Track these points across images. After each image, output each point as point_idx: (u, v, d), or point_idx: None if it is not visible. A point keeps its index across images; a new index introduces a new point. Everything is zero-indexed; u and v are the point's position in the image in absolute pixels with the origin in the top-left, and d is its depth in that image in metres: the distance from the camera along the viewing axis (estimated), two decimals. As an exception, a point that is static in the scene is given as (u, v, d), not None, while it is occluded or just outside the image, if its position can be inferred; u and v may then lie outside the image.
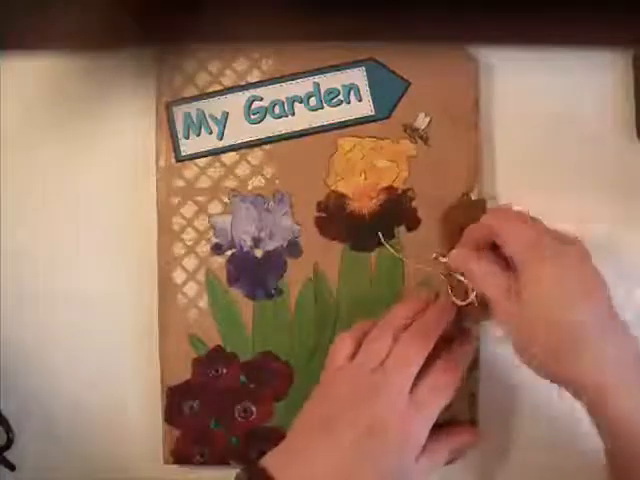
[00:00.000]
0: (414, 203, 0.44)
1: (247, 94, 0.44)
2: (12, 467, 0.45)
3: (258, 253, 0.44)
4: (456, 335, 0.41)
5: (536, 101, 0.45)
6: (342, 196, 0.44)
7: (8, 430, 0.45)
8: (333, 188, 0.44)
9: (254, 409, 0.44)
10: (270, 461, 0.37)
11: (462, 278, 0.40)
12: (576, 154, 0.45)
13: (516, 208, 0.39)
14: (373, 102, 0.44)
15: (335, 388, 0.39)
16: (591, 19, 0.40)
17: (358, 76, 0.44)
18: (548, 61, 0.45)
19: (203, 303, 0.44)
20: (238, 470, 0.37)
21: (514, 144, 0.45)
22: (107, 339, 0.46)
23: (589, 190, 0.45)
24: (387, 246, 0.43)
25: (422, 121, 0.44)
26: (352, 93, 0.44)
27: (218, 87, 0.45)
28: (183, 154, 0.44)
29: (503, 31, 0.43)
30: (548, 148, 0.45)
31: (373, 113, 0.44)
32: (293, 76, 0.44)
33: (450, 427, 0.41)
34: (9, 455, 0.45)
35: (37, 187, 0.46)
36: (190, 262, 0.44)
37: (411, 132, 0.44)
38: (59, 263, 0.46)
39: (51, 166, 0.46)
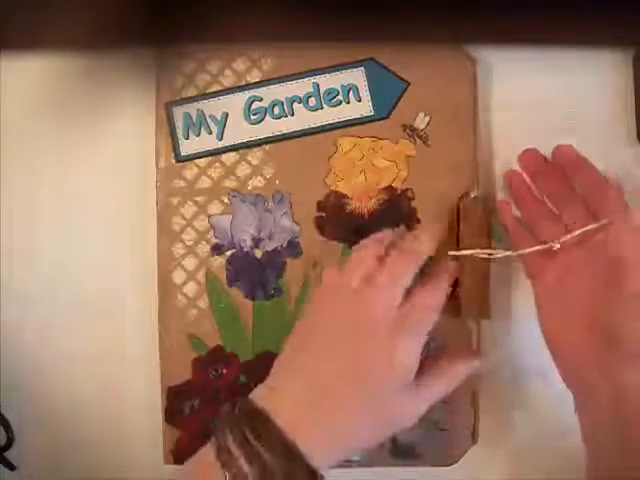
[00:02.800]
0: (413, 203, 0.44)
1: (247, 94, 0.44)
2: (12, 467, 0.45)
3: (258, 253, 0.44)
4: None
5: (535, 101, 0.45)
6: (342, 196, 0.44)
7: (8, 430, 0.45)
8: (333, 188, 0.44)
9: (254, 409, 0.44)
10: (257, 392, 0.37)
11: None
12: (576, 154, 0.45)
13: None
14: (372, 102, 0.44)
15: (320, 307, 0.38)
16: (591, 19, 0.40)
17: (357, 76, 0.44)
18: (548, 61, 0.45)
19: (203, 303, 0.44)
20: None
21: (513, 144, 0.45)
22: (107, 339, 0.46)
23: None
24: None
25: (421, 121, 0.44)
26: (351, 93, 0.44)
27: (218, 87, 0.45)
28: (183, 154, 0.44)
29: (503, 31, 0.43)
30: (547, 148, 0.45)
31: (372, 113, 0.44)
32: (292, 76, 0.44)
33: (450, 356, 0.39)
34: (9, 455, 0.45)
35: (37, 187, 0.46)
36: (190, 262, 0.44)
37: (410, 132, 0.44)
38: (59, 263, 0.46)
39: (51, 166, 0.46)
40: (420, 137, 0.44)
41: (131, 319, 0.46)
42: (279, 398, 0.36)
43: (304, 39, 0.44)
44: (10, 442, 0.45)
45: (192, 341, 0.44)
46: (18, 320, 0.46)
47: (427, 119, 0.44)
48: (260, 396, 0.36)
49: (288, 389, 0.36)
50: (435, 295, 0.38)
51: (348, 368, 0.36)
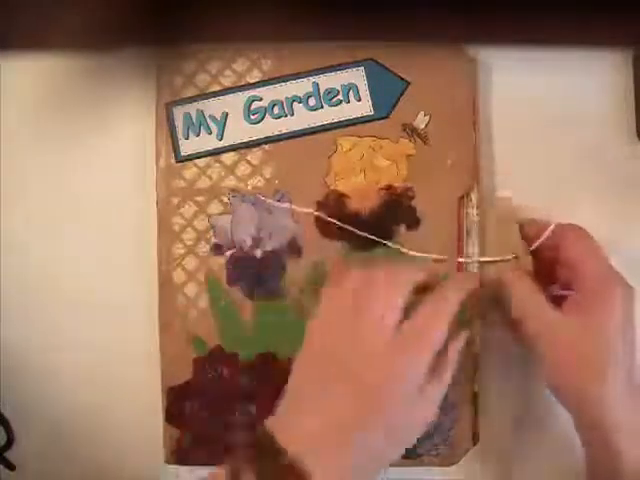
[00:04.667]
0: (413, 202, 0.44)
1: (246, 94, 0.44)
2: (12, 467, 0.45)
3: (258, 253, 0.44)
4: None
5: (535, 101, 0.45)
6: (342, 196, 0.44)
7: (8, 430, 0.45)
8: (333, 188, 0.44)
9: (254, 409, 0.44)
10: (272, 420, 0.36)
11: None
12: (575, 154, 0.45)
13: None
14: (372, 102, 0.44)
15: (321, 333, 0.37)
16: (591, 19, 0.40)
17: (357, 76, 0.44)
18: (548, 61, 0.45)
19: (203, 303, 0.44)
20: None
21: (513, 144, 0.45)
22: (107, 339, 0.46)
23: (588, 190, 0.45)
24: (390, 244, 0.43)
25: (421, 120, 0.44)
26: (351, 93, 0.44)
27: (218, 87, 0.45)
28: (183, 154, 0.45)
29: (503, 31, 0.43)
30: (547, 148, 0.45)
31: (372, 113, 0.44)
32: (292, 76, 0.44)
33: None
34: (9, 455, 0.45)
35: (37, 187, 0.46)
36: (190, 262, 0.44)
37: (410, 131, 0.44)
38: (59, 263, 0.46)
39: (51, 166, 0.46)
40: (420, 136, 0.44)
41: (131, 319, 0.46)
42: (291, 430, 0.35)
43: (304, 39, 0.44)
44: (10, 442, 0.45)
45: (192, 341, 0.44)
46: (18, 320, 0.46)
47: (427, 119, 0.44)
48: (271, 424, 0.35)
49: (300, 422, 0.35)
50: (437, 316, 0.36)
51: (351, 393, 0.35)
